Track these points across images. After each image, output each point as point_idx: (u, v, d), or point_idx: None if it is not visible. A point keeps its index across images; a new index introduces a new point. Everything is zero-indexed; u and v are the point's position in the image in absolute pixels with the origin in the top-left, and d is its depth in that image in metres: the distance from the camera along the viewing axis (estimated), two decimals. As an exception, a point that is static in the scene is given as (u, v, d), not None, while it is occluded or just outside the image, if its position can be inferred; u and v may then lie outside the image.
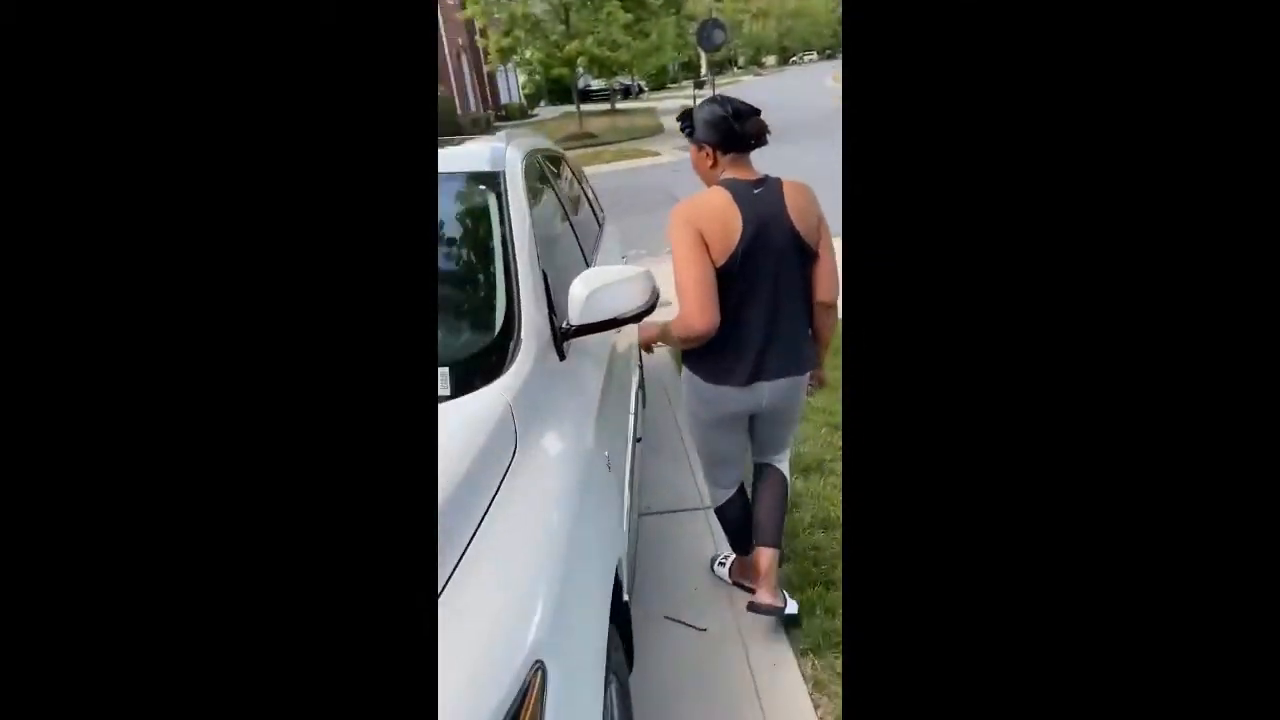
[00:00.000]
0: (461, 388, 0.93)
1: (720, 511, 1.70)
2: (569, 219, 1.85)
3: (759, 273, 1.38)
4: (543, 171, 1.82)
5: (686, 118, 1.50)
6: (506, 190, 1.35)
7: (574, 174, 2.50)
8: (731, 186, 1.39)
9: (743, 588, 1.76)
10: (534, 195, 1.59)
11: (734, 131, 1.40)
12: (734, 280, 1.37)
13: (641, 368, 3.04)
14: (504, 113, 22.97)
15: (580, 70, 14.85)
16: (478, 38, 15.28)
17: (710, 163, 1.45)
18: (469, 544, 0.73)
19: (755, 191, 1.40)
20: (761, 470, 1.69)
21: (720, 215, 1.35)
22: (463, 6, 13.86)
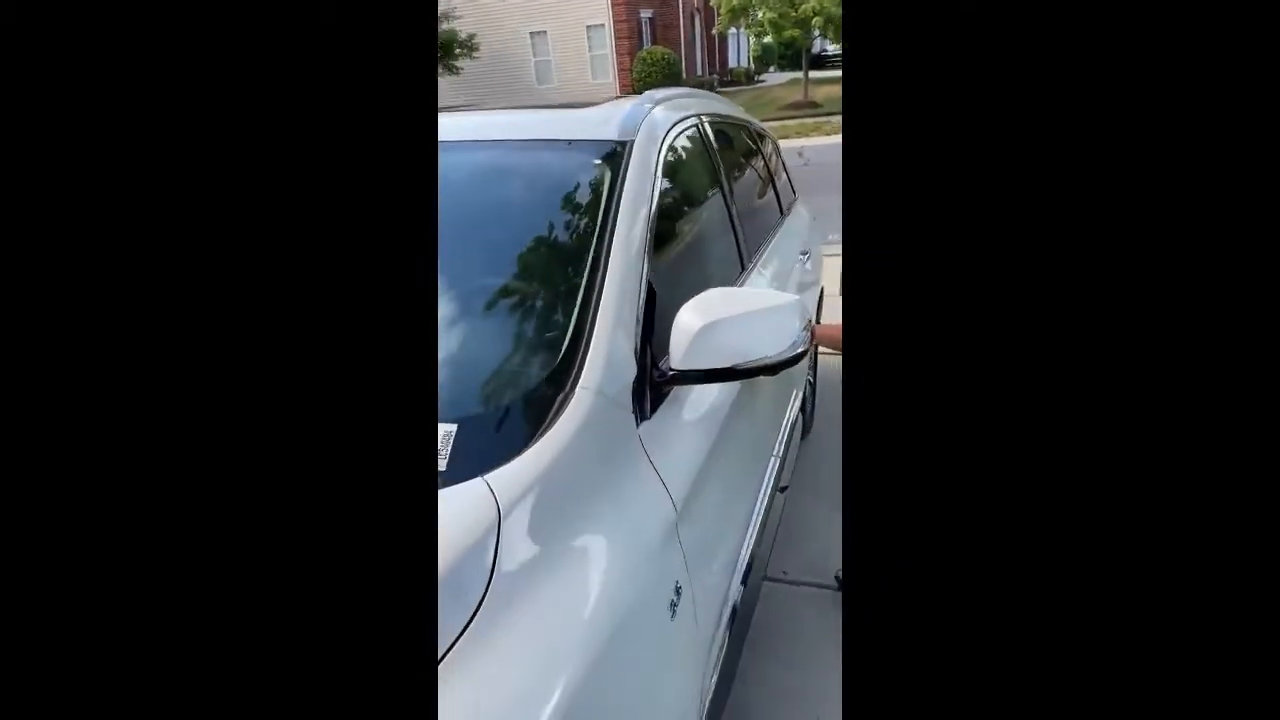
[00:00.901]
0: (463, 464, 0.62)
1: None
2: (731, 206, 1.45)
3: None
4: (707, 144, 1.43)
5: None
6: (627, 168, 1.00)
7: (763, 147, 2.07)
8: None
9: None
10: (678, 174, 1.22)
11: None
12: None
13: (813, 383, 2.56)
14: (729, 77, 22.44)
15: (815, 33, 13.76)
16: (712, -1, 14.88)
17: None
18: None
19: None
20: None
21: None
22: (699, -35, 13.49)
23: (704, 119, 1.46)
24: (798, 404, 2.02)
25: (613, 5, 14.65)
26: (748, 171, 1.82)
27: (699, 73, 19.73)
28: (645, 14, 15.92)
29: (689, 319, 0.82)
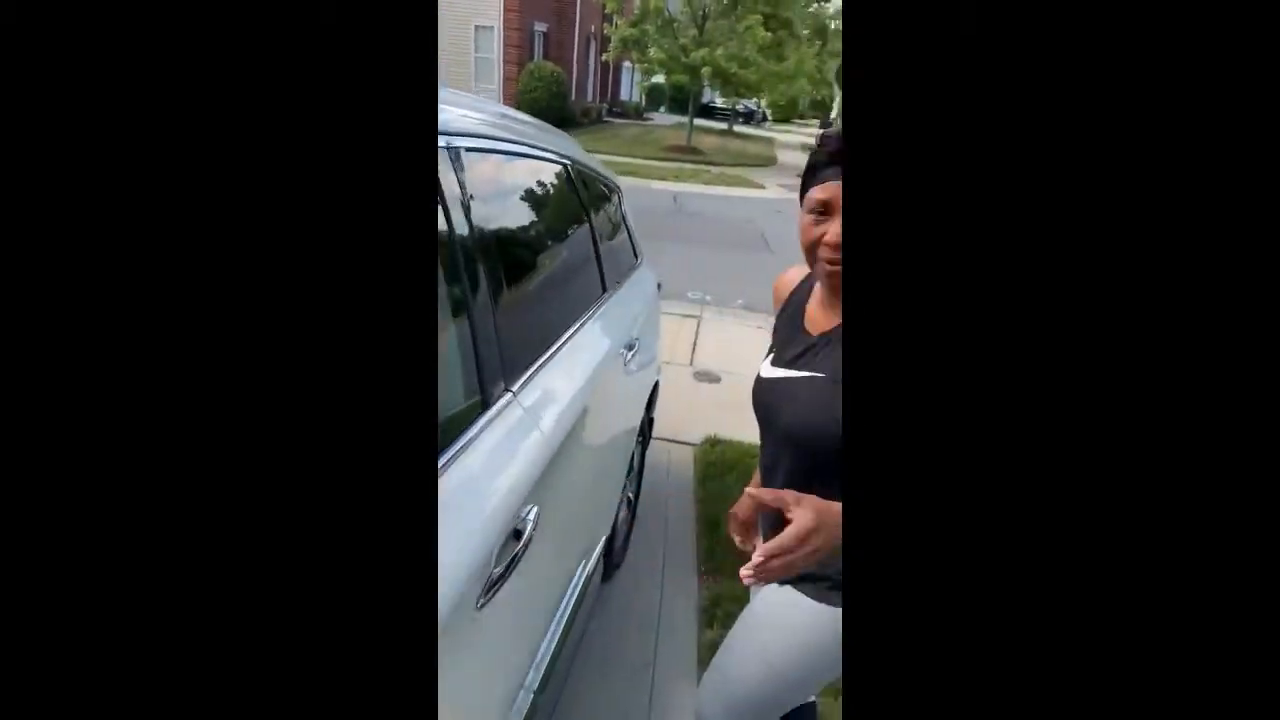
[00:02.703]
0: None
1: None
2: (488, 288, 0.85)
3: None
4: (449, 179, 0.83)
5: None
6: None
7: (587, 196, 1.50)
8: None
9: None
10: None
11: None
12: None
13: (633, 499, 2.00)
14: (619, 109, 22.42)
15: (705, 82, 13.93)
16: (605, 25, 14.61)
17: None
18: None
19: None
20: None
21: None
22: (599, -11, 13.15)
23: (456, 143, 0.86)
24: (599, 547, 1.45)
25: (505, 10, 13.93)
26: (549, 232, 1.24)
27: (589, 98, 19.45)
28: (540, 27, 15.36)
29: None
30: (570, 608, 1.21)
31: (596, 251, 1.46)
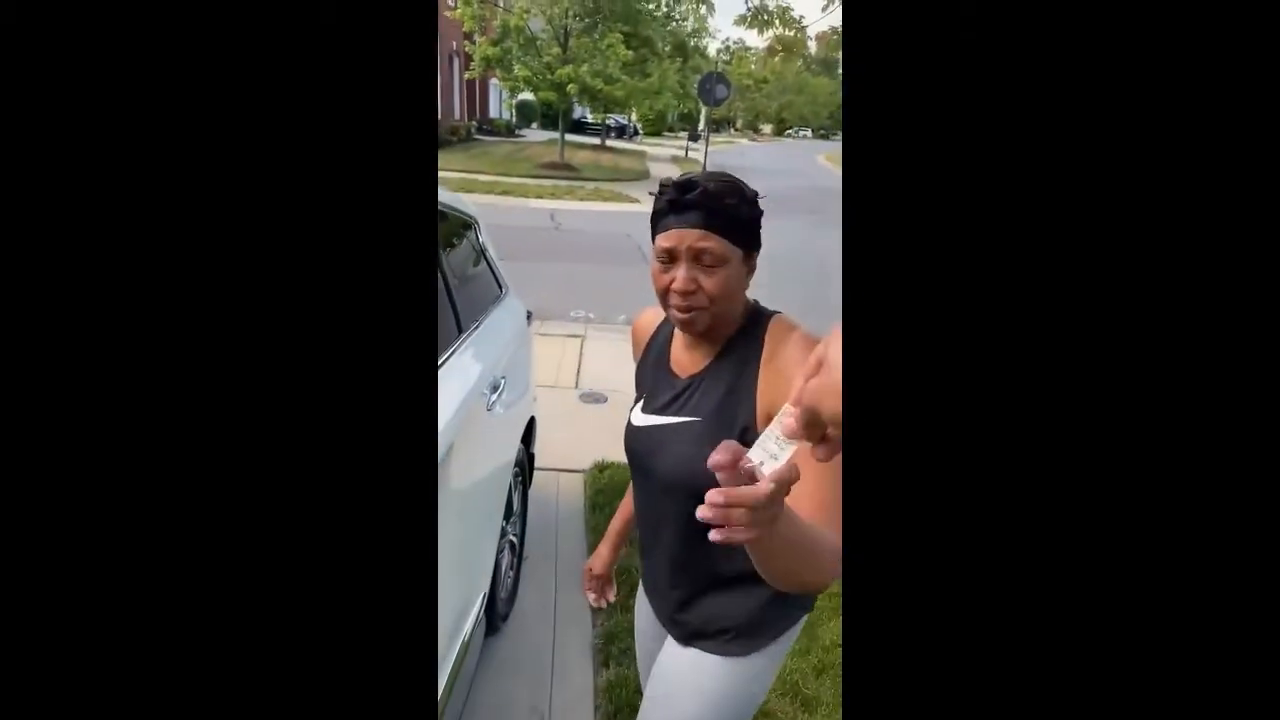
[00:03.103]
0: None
1: None
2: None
3: None
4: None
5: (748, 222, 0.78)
6: None
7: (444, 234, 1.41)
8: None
9: None
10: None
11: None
12: None
13: (517, 539, 1.91)
14: (490, 126, 22.06)
15: (573, 99, 13.98)
16: (466, 43, 14.32)
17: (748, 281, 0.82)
18: None
19: None
20: None
21: None
22: (454, 7, 12.86)
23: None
24: (477, 604, 1.36)
25: (358, 28, 13.28)
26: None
27: (457, 116, 18.98)
28: (397, 46, 14.77)
29: None
30: (447, 679, 1.12)
31: (448, 292, 1.38)
